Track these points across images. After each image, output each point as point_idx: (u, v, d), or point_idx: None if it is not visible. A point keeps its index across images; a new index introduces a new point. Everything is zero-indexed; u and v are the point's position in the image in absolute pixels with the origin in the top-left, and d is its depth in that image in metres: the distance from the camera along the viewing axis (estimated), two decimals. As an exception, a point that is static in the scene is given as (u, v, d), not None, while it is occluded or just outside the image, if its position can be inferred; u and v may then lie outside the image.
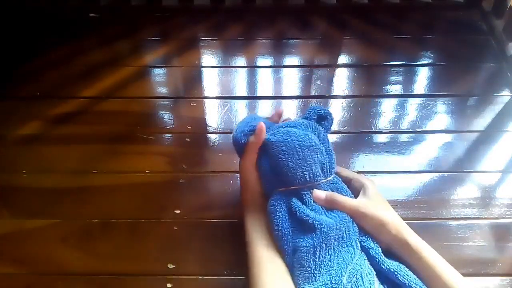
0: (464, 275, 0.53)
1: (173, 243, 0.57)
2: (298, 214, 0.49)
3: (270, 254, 0.48)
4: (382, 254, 0.49)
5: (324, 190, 0.51)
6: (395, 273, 0.47)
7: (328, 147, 0.53)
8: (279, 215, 0.49)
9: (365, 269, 0.47)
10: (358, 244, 0.49)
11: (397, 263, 0.48)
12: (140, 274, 0.55)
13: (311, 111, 0.56)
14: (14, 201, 0.62)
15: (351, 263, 0.47)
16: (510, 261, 0.55)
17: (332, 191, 0.52)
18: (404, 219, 0.56)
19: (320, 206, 0.50)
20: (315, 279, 0.46)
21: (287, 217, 0.50)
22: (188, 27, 0.89)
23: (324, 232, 0.47)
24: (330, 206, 0.51)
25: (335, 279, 0.45)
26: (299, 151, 0.50)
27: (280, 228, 0.49)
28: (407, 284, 0.46)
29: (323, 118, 0.55)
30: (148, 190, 0.63)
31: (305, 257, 0.47)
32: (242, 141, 0.53)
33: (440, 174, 0.64)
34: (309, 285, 0.45)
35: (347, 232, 0.49)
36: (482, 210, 0.60)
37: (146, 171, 0.65)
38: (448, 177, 0.64)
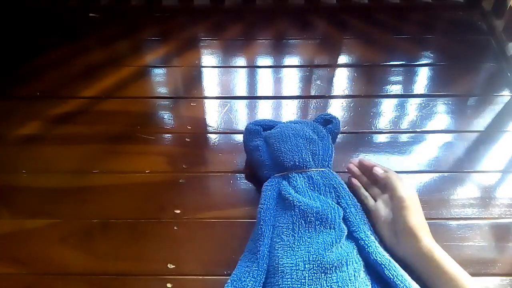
0: (464, 275, 0.54)
1: (173, 243, 0.57)
2: (282, 192, 0.54)
3: None
4: (374, 246, 0.49)
5: (315, 178, 0.56)
6: (382, 266, 0.47)
7: (326, 143, 0.60)
8: (268, 194, 0.55)
9: (352, 257, 0.49)
10: (344, 230, 0.51)
11: (388, 257, 0.49)
12: (140, 274, 0.55)
13: (318, 117, 0.65)
14: (14, 201, 0.62)
15: (332, 244, 0.48)
16: (510, 261, 0.55)
17: (324, 182, 0.56)
18: (404, 219, 0.56)
19: (306, 191, 0.54)
20: (293, 252, 0.48)
21: (274, 196, 0.55)
22: (188, 27, 0.89)
23: (302, 209, 0.51)
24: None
25: (313, 257, 0.47)
26: (292, 138, 0.58)
27: (264, 203, 0.54)
28: (392, 280, 0.46)
29: (329, 122, 0.63)
30: (148, 190, 0.63)
31: (285, 232, 0.50)
32: (250, 145, 0.61)
33: (440, 174, 0.64)
34: (288, 258, 0.48)
35: (331, 215, 0.51)
36: (482, 210, 0.60)
37: (146, 171, 0.65)
38: (448, 177, 0.64)
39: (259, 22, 0.90)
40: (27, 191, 0.63)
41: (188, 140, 0.69)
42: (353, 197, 0.55)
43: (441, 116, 0.72)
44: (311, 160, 0.57)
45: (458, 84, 0.77)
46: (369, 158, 0.66)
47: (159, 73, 0.81)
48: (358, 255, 0.50)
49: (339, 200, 0.54)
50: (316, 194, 0.54)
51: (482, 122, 0.71)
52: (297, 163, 0.56)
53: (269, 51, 0.85)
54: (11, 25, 0.89)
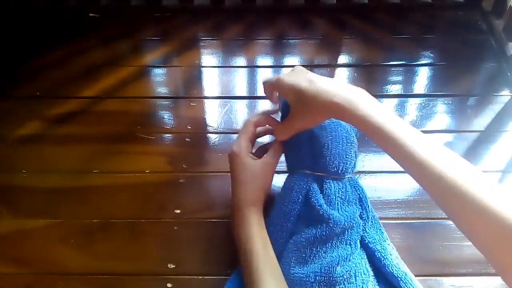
0: (464, 274, 0.54)
1: (173, 243, 0.57)
2: (312, 199, 0.50)
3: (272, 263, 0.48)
4: (390, 258, 0.49)
5: (344, 185, 0.52)
6: (399, 278, 0.47)
7: (356, 148, 0.55)
8: (293, 194, 0.51)
9: (361, 268, 0.48)
10: (358, 244, 0.50)
11: (404, 269, 0.48)
12: (140, 274, 0.55)
13: None
14: (14, 201, 0.62)
15: (346, 259, 0.48)
16: (510, 261, 0.55)
17: (352, 192, 0.52)
18: (404, 219, 0.57)
19: (337, 202, 0.51)
20: (306, 265, 0.48)
21: (300, 199, 0.51)
22: (188, 27, 0.89)
23: (329, 227, 0.48)
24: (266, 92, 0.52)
25: (325, 269, 0.46)
26: (344, 142, 0.52)
27: (288, 205, 0.51)
28: None
29: None
30: (148, 190, 0.63)
31: (304, 243, 0.49)
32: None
33: (440, 174, 0.64)
34: (300, 269, 0.47)
35: (349, 230, 0.49)
36: (482, 210, 0.60)
37: (146, 171, 0.65)
38: (448, 177, 0.64)
39: (259, 22, 0.90)
40: (27, 191, 0.63)
41: (188, 140, 0.69)
42: (372, 208, 0.54)
43: (441, 116, 0.72)
44: (349, 170, 0.53)
45: (458, 84, 0.77)
46: (370, 158, 0.66)
47: (159, 73, 0.81)
48: (367, 266, 0.49)
49: (361, 212, 0.52)
50: (345, 206, 0.51)
51: (482, 122, 0.71)
52: (339, 171, 0.51)
53: (269, 51, 0.85)
54: (11, 25, 0.89)
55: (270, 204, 0.54)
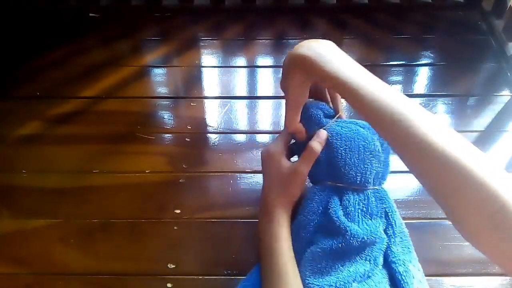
0: (464, 274, 0.54)
1: (173, 243, 0.57)
2: (330, 211, 0.48)
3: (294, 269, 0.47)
4: (411, 281, 0.47)
5: (367, 197, 0.50)
6: None
7: (387, 158, 0.52)
8: (314, 205, 0.50)
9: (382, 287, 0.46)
10: (380, 261, 0.48)
11: None
12: (140, 274, 0.55)
13: None
14: (14, 201, 0.62)
15: (363, 275, 0.46)
16: (510, 261, 0.55)
17: (377, 205, 0.50)
18: (404, 219, 0.56)
19: (357, 215, 0.49)
20: (321, 276, 0.46)
21: (320, 210, 0.49)
22: (188, 27, 0.89)
23: (346, 239, 0.46)
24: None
25: (340, 283, 0.45)
26: (361, 151, 0.49)
27: (307, 216, 0.49)
28: None
29: None
30: (148, 190, 0.63)
31: (320, 254, 0.47)
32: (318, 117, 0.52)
33: (440, 174, 0.64)
34: (314, 279, 0.46)
35: (371, 246, 0.47)
36: (482, 210, 0.60)
37: (146, 171, 0.65)
38: (448, 177, 0.63)
39: (259, 22, 0.90)
40: (27, 191, 0.63)
41: (188, 140, 0.69)
42: (402, 223, 0.51)
43: (441, 116, 0.72)
44: (371, 180, 0.50)
45: (458, 84, 0.77)
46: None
47: (159, 73, 0.81)
48: (388, 286, 0.47)
49: (387, 227, 0.50)
50: (366, 219, 0.49)
51: (482, 122, 0.71)
52: (358, 181, 0.49)
53: (269, 51, 0.85)
54: (11, 25, 0.89)
55: (293, 214, 0.53)
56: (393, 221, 0.50)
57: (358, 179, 0.49)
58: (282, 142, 0.52)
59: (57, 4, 0.92)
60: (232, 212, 0.60)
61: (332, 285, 0.45)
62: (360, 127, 0.51)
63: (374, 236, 0.47)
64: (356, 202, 0.49)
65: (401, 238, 0.50)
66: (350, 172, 0.49)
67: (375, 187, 0.51)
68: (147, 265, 0.56)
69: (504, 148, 0.68)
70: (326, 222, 0.49)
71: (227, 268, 0.54)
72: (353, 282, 0.45)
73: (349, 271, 0.46)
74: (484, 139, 0.69)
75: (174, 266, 0.55)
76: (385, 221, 0.50)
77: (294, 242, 0.49)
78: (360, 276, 0.46)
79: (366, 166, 0.49)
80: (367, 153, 0.49)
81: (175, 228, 0.59)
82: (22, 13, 0.92)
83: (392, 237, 0.49)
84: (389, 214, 0.50)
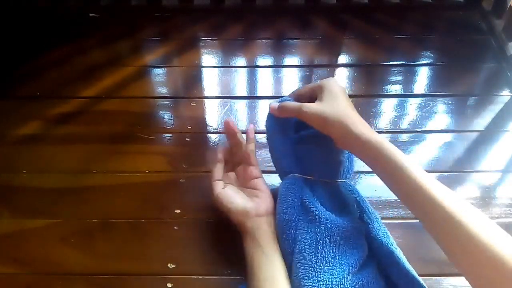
0: (464, 275, 0.53)
1: (173, 243, 0.57)
2: (307, 202, 0.50)
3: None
4: (398, 261, 0.48)
5: (339, 191, 0.52)
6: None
7: (350, 154, 0.55)
8: (289, 199, 0.50)
9: (373, 277, 0.47)
10: (366, 249, 0.49)
11: (412, 274, 0.48)
12: (140, 274, 0.55)
13: None
14: (14, 201, 0.62)
15: (355, 266, 0.46)
16: (510, 261, 0.55)
17: (347, 195, 0.52)
18: (404, 219, 0.56)
19: (331, 204, 0.51)
20: (315, 274, 0.46)
21: (296, 203, 0.50)
22: (188, 27, 0.89)
23: (328, 227, 0.47)
24: (282, 115, 0.52)
25: (336, 281, 0.45)
26: (330, 145, 0.51)
27: (287, 212, 0.50)
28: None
29: None
30: (148, 190, 0.63)
31: (308, 250, 0.47)
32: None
33: (440, 174, 0.64)
34: (309, 280, 0.45)
35: (356, 234, 0.48)
36: (482, 210, 0.59)
37: (146, 171, 0.65)
38: (448, 177, 0.64)
39: (259, 22, 0.90)
40: (27, 191, 0.63)
41: (188, 140, 0.69)
42: (374, 211, 0.53)
43: (441, 116, 0.72)
44: (339, 171, 0.53)
45: (458, 84, 0.77)
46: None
47: (159, 73, 0.81)
48: (378, 275, 0.48)
49: (361, 215, 0.52)
50: (341, 209, 0.51)
51: (482, 122, 0.71)
52: (327, 174, 0.52)
53: (269, 51, 0.85)
54: (11, 25, 0.89)
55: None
56: (366, 208, 0.52)
57: (327, 171, 0.52)
58: (220, 184, 0.55)
59: (57, 4, 0.92)
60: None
61: (328, 283, 0.45)
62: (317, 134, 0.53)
63: (353, 223, 0.49)
64: (328, 194, 0.52)
65: (377, 223, 0.51)
66: (319, 165, 0.52)
67: (343, 180, 0.53)
68: (147, 265, 0.56)
69: (504, 148, 0.68)
70: (304, 214, 0.50)
71: (227, 268, 0.54)
72: (348, 276, 0.46)
73: (341, 264, 0.46)
74: (484, 139, 0.69)
75: (174, 266, 0.55)
76: (357, 209, 0.52)
77: (282, 243, 0.49)
78: (353, 267, 0.46)
79: (335, 160, 0.52)
80: (332, 147, 0.51)
81: (175, 228, 0.59)
82: (22, 13, 0.92)
83: (369, 223, 0.51)
84: (359, 201, 0.52)
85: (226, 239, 0.57)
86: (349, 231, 0.48)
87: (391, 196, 0.61)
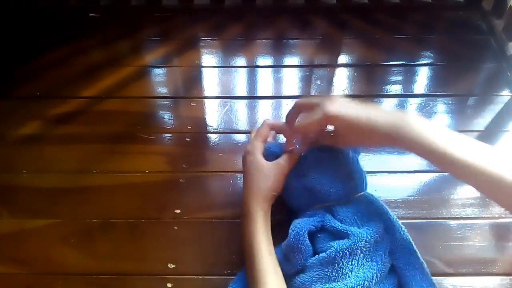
0: (464, 274, 0.54)
1: (173, 243, 0.57)
2: (327, 226, 0.50)
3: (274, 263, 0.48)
4: (417, 278, 0.48)
5: (359, 208, 0.52)
6: None
7: (358, 165, 0.55)
8: (305, 220, 0.51)
9: None
10: (388, 264, 0.48)
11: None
12: (140, 274, 0.55)
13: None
14: (14, 201, 0.62)
15: (371, 280, 0.46)
16: (510, 260, 0.55)
17: (368, 209, 0.52)
18: (404, 219, 0.56)
19: (354, 221, 0.50)
20: (328, 282, 0.45)
21: (315, 224, 0.50)
22: (188, 27, 0.89)
23: (350, 240, 0.47)
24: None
25: None
26: (331, 167, 0.52)
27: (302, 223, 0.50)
28: None
29: None
30: (148, 190, 0.63)
31: (326, 258, 0.47)
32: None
33: (440, 174, 0.64)
34: (321, 285, 0.45)
35: (375, 246, 0.48)
36: (482, 210, 0.60)
37: (146, 171, 0.65)
38: (448, 177, 0.63)
39: (259, 22, 0.90)
40: (27, 191, 0.63)
41: (188, 140, 0.69)
42: (397, 219, 0.52)
43: (441, 116, 0.72)
44: (354, 188, 0.53)
45: (458, 84, 0.77)
46: (370, 158, 0.66)
47: (159, 73, 0.81)
48: None
49: (385, 227, 0.50)
50: (364, 223, 0.50)
51: (482, 122, 0.71)
52: (341, 195, 0.52)
53: (269, 51, 0.85)
54: (11, 25, 0.89)
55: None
56: (387, 217, 0.51)
57: (341, 193, 0.52)
58: (260, 141, 0.54)
59: (57, 4, 0.92)
60: (232, 212, 0.60)
61: None
62: (316, 151, 0.54)
63: (376, 235, 0.48)
64: (349, 212, 0.51)
65: (400, 234, 0.50)
66: (331, 190, 0.52)
67: (360, 194, 0.53)
68: (147, 265, 0.56)
69: (504, 148, 0.68)
70: (328, 234, 0.50)
71: (227, 268, 0.54)
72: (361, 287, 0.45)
73: (357, 276, 0.45)
74: (484, 139, 0.68)
75: (174, 266, 0.55)
76: (380, 222, 0.50)
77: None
78: (368, 281, 0.45)
79: (343, 180, 0.52)
80: (336, 167, 0.53)
81: (175, 228, 0.59)
82: (22, 13, 0.92)
83: (393, 235, 0.50)
84: (381, 213, 0.51)
85: (226, 239, 0.57)
86: (370, 245, 0.47)
87: (391, 196, 0.61)
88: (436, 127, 0.43)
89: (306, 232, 0.49)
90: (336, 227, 0.49)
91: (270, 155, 0.55)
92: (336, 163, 0.53)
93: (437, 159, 0.42)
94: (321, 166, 0.53)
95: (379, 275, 0.46)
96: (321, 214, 0.51)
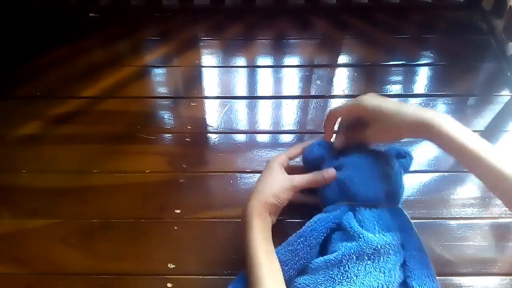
0: (464, 274, 0.54)
1: (173, 243, 0.57)
2: (343, 222, 0.50)
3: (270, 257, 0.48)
4: None
5: (384, 215, 0.51)
6: None
7: (399, 179, 0.55)
8: (327, 215, 0.51)
9: None
10: (395, 276, 0.47)
11: None
12: (140, 274, 0.55)
13: (391, 148, 0.59)
14: (14, 201, 0.62)
15: None
16: (510, 260, 0.55)
17: (392, 220, 0.51)
18: (404, 219, 0.56)
19: (372, 225, 0.49)
20: (332, 285, 0.45)
21: (330, 222, 0.51)
22: (188, 27, 0.89)
23: (359, 244, 0.47)
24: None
25: None
26: (368, 169, 0.53)
27: (317, 225, 0.50)
28: None
29: (402, 156, 0.58)
30: (148, 190, 0.63)
31: (332, 260, 0.47)
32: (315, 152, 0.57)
33: (440, 174, 0.64)
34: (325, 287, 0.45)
35: (386, 257, 0.47)
36: (482, 210, 0.60)
37: (146, 171, 0.65)
38: (448, 177, 0.64)
39: (259, 22, 0.90)
40: (27, 191, 0.63)
41: (188, 140, 0.69)
42: (420, 239, 0.51)
43: (441, 116, 0.72)
44: (383, 195, 0.52)
45: (458, 84, 0.77)
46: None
47: (159, 73, 0.81)
48: None
49: (404, 242, 0.49)
50: (382, 231, 0.49)
51: (482, 122, 0.71)
52: (369, 197, 0.52)
53: (269, 51, 0.85)
54: (11, 25, 0.89)
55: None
56: (410, 234, 0.50)
57: (369, 195, 0.52)
58: (286, 156, 0.56)
59: (57, 4, 0.92)
60: (232, 212, 0.60)
61: None
62: (366, 153, 0.55)
63: (389, 246, 0.47)
64: (371, 215, 0.50)
65: (419, 252, 0.49)
66: (360, 189, 0.52)
67: (390, 205, 0.52)
68: (147, 265, 0.56)
69: (504, 148, 0.68)
70: (341, 234, 0.50)
71: (227, 268, 0.54)
72: None
73: (362, 283, 0.45)
74: (484, 139, 0.68)
75: (174, 266, 0.55)
76: (400, 236, 0.49)
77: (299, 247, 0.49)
78: None
79: (374, 181, 0.52)
80: (374, 171, 0.53)
81: (175, 228, 0.59)
82: (22, 13, 0.92)
83: (410, 251, 0.49)
84: (404, 229, 0.50)
85: (226, 239, 0.57)
86: (380, 254, 0.46)
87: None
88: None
89: (323, 231, 0.49)
90: (351, 226, 0.48)
91: (310, 154, 0.57)
92: (374, 167, 0.53)
93: (466, 156, 0.47)
94: (358, 164, 0.53)
95: (385, 287, 0.45)
96: (343, 210, 0.51)
